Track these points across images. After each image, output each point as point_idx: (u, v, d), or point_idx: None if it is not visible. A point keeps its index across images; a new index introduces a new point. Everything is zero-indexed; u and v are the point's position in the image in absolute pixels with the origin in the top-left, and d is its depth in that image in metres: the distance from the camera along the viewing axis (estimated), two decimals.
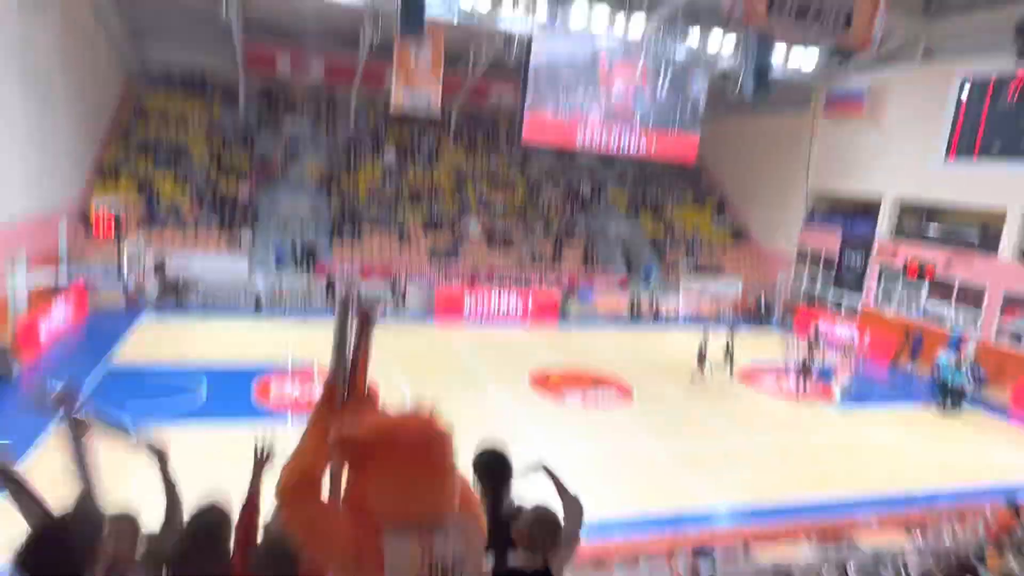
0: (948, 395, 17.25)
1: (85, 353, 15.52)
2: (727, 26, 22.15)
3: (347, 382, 1.96)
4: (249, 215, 23.85)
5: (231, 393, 13.67)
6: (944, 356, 18.50)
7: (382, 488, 1.64)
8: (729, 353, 18.01)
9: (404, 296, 23.07)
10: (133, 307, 19.48)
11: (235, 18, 21.70)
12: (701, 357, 17.54)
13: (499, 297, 23.53)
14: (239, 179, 25.19)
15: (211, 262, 21.39)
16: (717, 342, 18.09)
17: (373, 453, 1.64)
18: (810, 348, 18.20)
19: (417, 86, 22.93)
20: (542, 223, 28.12)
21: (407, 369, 15.50)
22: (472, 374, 16.57)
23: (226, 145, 26.51)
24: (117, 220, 17.93)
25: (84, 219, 20.56)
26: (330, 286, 21.76)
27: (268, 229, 24.17)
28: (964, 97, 21.28)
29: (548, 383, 16.39)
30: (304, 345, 17.08)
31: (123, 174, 23.59)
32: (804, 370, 17.80)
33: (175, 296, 20.24)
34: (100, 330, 17.30)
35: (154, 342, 16.65)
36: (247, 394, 13.72)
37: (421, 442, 1.69)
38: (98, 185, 22.74)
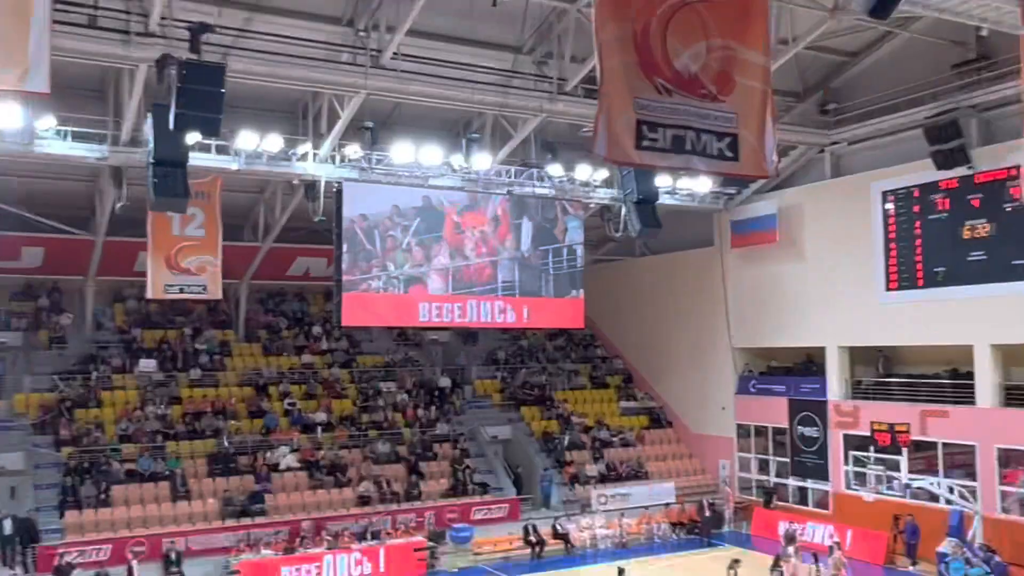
0: None
1: None
2: (595, 161, 24.47)
3: None
4: None
5: None
6: (947, 546, 19.56)
7: None
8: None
9: None
10: None
11: None
12: None
13: (333, 559, 22.32)
14: None
15: None
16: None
17: None
18: (777, 561, 18.58)
19: (185, 267, 22.87)
20: (385, 438, 27.75)
21: None
22: None
23: None
24: None
25: None
26: None
27: None
28: (889, 215, 24.53)
29: None
30: None
31: None
32: None
33: None
34: None
35: None
36: None
37: None
38: None
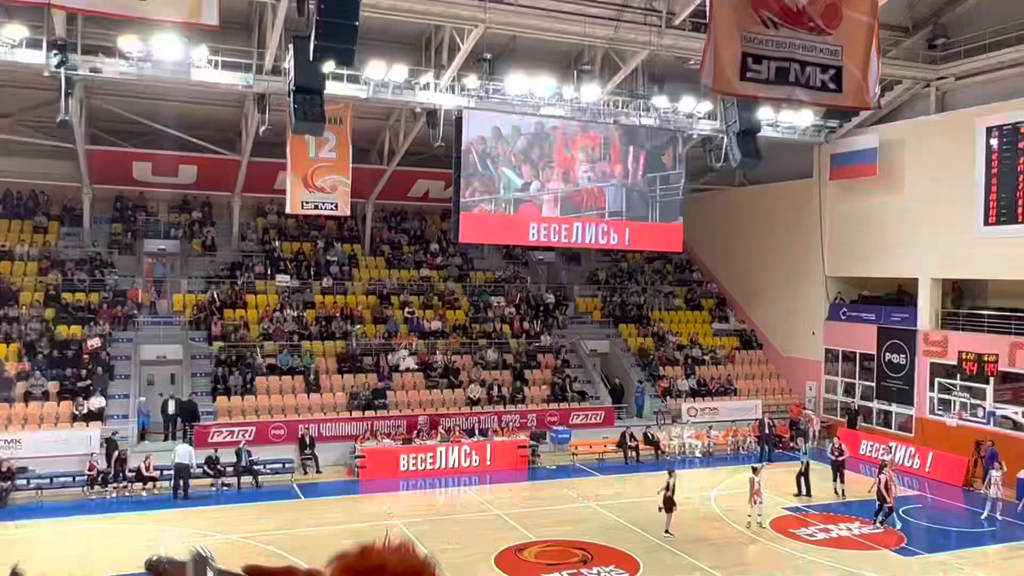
0: None
1: None
2: (700, 93, 23.90)
3: None
4: (100, 370, 23.53)
5: None
6: None
7: None
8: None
9: (316, 460, 22.70)
10: None
11: (78, 120, 22.38)
12: (668, 503, 17.97)
13: (445, 450, 23.36)
14: (86, 323, 25.05)
15: (47, 440, 20.79)
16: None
17: None
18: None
19: (319, 185, 23.77)
20: (494, 347, 28.50)
21: (323, 560, 15.00)
22: None
23: (68, 279, 26.53)
24: None
25: None
26: (212, 459, 21.28)
27: (128, 387, 23.79)
28: (992, 150, 23.29)
29: (522, 564, 16.08)
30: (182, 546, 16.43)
31: None
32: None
33: None
34: None
35: None
36: None
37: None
38: None
